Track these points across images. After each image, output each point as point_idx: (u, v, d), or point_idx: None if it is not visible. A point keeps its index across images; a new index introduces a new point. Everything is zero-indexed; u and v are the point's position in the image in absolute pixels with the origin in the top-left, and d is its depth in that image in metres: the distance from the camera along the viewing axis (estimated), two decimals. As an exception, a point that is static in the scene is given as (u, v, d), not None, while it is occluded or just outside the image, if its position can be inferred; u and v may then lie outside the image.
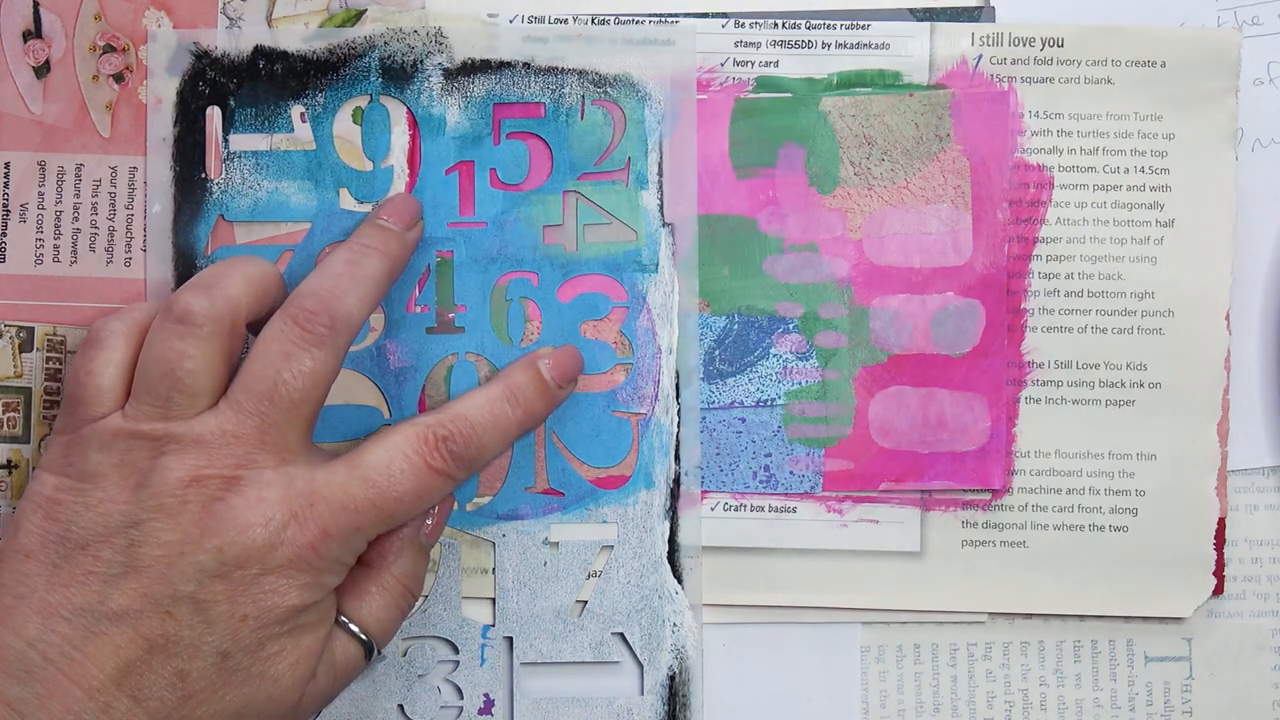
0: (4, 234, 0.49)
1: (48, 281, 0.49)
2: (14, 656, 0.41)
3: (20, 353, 0.49)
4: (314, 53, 0.50)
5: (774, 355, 0.50)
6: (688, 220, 0.50)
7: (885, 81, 0.50)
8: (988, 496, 0.50)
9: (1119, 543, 0.50)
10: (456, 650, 0.50)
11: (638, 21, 0.50)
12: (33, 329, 0.49)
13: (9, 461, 0.49)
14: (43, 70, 0.49)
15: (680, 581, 0.50)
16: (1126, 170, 0.50)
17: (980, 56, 0.50)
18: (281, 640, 0.43)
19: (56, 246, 0.49)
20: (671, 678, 0.50)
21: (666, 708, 0.50)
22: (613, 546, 0.50)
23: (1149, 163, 0.50)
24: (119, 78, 0.49)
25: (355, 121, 0.50)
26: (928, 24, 0.50)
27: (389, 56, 0.50)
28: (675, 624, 0.50)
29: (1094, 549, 0.50)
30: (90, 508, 0.42)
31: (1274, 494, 0.51)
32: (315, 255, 0.49)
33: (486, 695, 0.50)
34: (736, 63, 0.50)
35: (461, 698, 0.50)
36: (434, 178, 0.50)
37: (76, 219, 0.49)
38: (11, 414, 0.49)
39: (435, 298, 0.50)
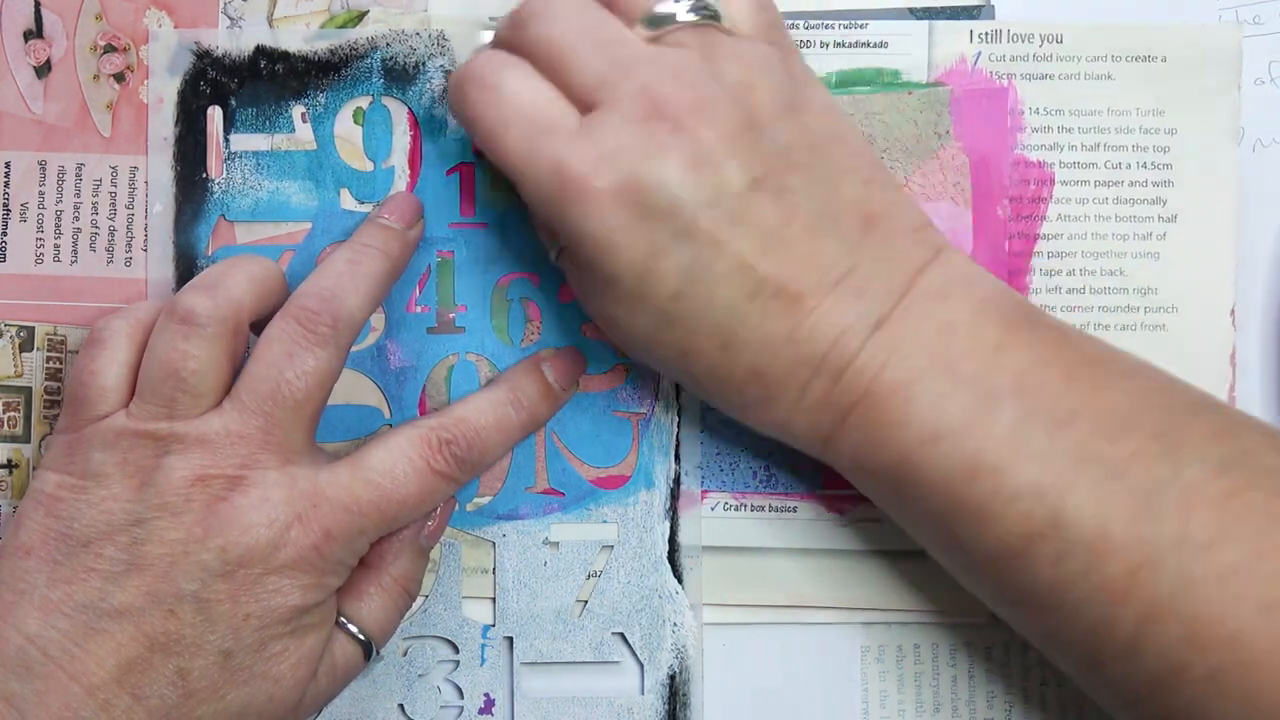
0: (4, 234, 0.49)
1: (48, 281, 0.49)
2: (13, 652, 0.41)
3: (20, 352, 0.49)
4: (315, 53, 0.50)
5: (774, 355, 0.50)
6: (688, 220, 0.50)
7: (884, 80, 0.50)
8: (988, 496, 0.50)
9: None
10: (457, 650, 0.50)
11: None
12: (33, 328, 0.49)
13: (9, 461, 0.49)
14: (43, 70, 0.49)
15: (680, 581, 0.50)
16: (1128, 166, 0.50)
17: (979, 54, 0.50)
18: (284, 640, 0.43)
19: (57, 246, 0.49)
20: (671, 677, 0.50)
21: (666, 707, 0.50)
22: (613, 546, 0.50)
23: (1151, 158, 0.50)
24: (120, 77, 0.50)
25: (356, 122, 0.50)
26: (926, 22, 0.50)
27: (391, 58, 0.50)
28: (675, 624, 0.50)
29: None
30: (93, 505, 0.42)
31: (1275, 493, 0.51)
32: (316, 255, 0.49)
33: (487, 695, 0.50)
34: (736, 62, 0.50)
35: (462, 697, 0.50)
36: (435, 178, 0.50)
37: (77, 219, 0.49)
38: (12, 413, 0.49)
39: (436, 298, 0.50)
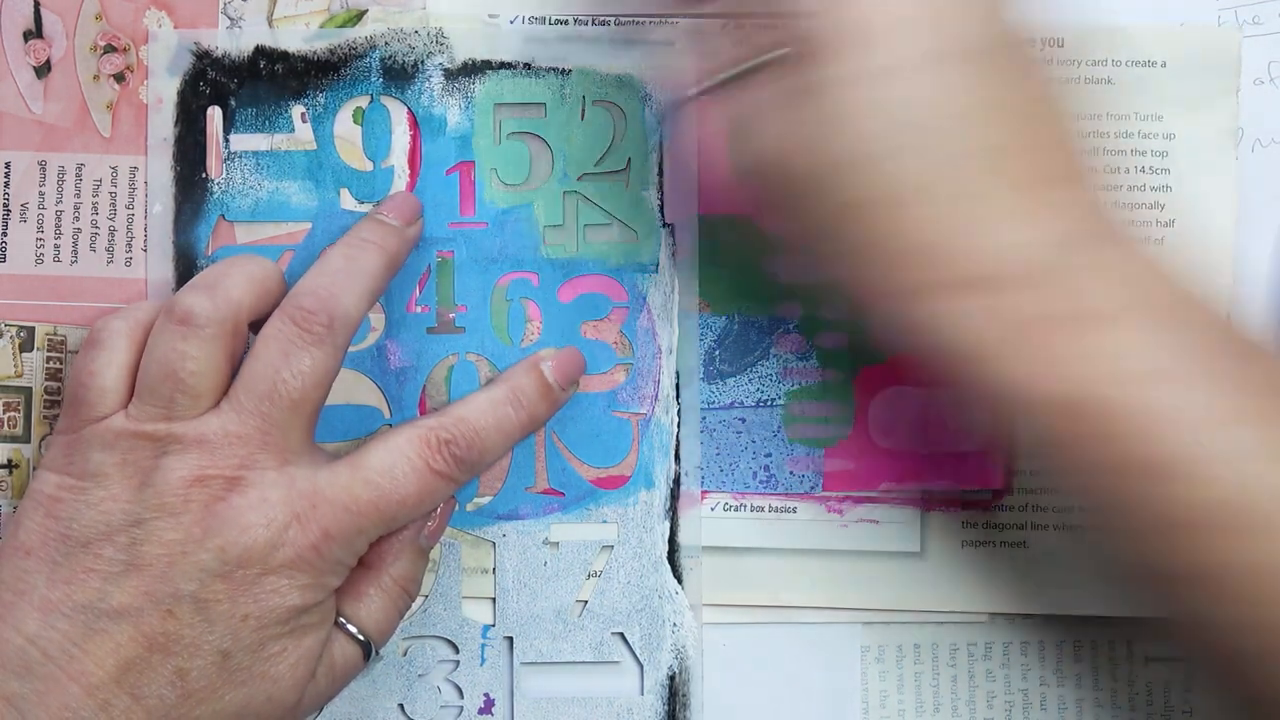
0: (4, 234, 0.49)
1: (48, 281, 0.49)
2: (13, 652, 0.41)
3: (20, 352, 0.49)
4: (315, 53, 0.50)
5: (774, 355, 0.50)
6: (688, 220, 0.50)
7: (885, 81, 0.50)
8: (988, 497, 0.50)
9: (1119, 543, 0.50)
10: (457, 650, 0.50)
11: (638, 22, 0.50)
12: (33, 329, 0.49)
13: (9, 461, 0.49)
14: (43, 70, 0.49)
15: (680, 581, 0.50)
16: (1127, 170, 0.50)
17: (980, 56, 0.50)
18: (283, 641, 0.43)
19: (57, 246, 0.49)
20: (671, 678, 0.50)
21: (666, 708, 0.50)
22: (613, 546, 0.50)
23: (1149, 163, 0.50)
24: (120, 78, 0.50)
25: (356, 122, 0.50)
26: (928, 24, 0.50)
27: (390, 57, 0.50)
28: (675, 624, 0.50)
29: (1094, 549, 0.50)
30: (92, 506, 0.42)
31: (1274, 494, 0.51)
32: (315, 255, 0.49)
33: (487, 695, 0.50)
34: (737, 63, 0.50)
35: (462, 697, 0.50)
36: (434, 178, 0.50)
37: (77, 219, 0.49)
38: (12, 414, 0.49)
39: (436, 298, 0.50)
